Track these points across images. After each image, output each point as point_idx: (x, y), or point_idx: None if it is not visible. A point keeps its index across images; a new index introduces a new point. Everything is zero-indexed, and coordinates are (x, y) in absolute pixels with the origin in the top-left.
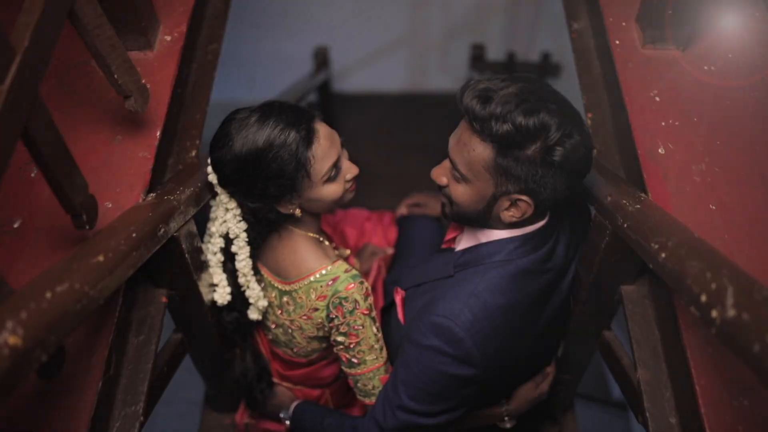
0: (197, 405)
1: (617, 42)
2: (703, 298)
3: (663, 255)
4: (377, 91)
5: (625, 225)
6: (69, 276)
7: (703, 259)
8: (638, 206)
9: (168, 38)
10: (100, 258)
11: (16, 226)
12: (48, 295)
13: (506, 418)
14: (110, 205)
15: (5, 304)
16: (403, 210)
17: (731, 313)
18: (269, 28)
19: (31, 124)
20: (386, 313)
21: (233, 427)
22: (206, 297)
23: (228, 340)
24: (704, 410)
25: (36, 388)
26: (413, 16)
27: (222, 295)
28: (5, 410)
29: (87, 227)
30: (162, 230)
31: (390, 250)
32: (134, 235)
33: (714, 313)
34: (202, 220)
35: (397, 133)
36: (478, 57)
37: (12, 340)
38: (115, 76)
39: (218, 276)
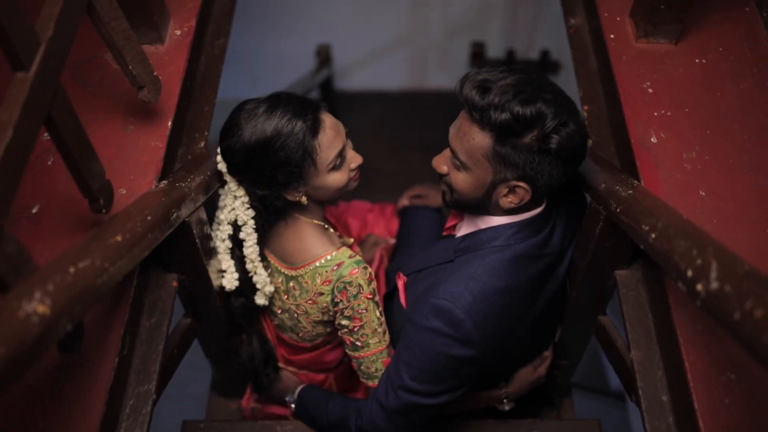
0: (202, 399)
1: (612, 36)
2: (690, 273)
3: (653, 236)
4: (378, 88)
5: (618, 210)
6: (90, 254)
7: (689, 238)
8: (630, 192)
9: (178, 32)
10: (118, 238)
11: (34, 211)
12: (72, 270)
13: (505, 401)
14: (124, 192)
15: (33, 276)
16: (404, 201)
17: (714, 285)
18: (272, 25)
19: (54, 110)
20: (388, 299)
21: (240, 411)
22: (215, 282)
23: (235, 325)
24: (693, 385)
25: (57, 364)
26: (414, 15)
27: (230, 280)
28: (29, 383)
29: (103, 211)
30: (174, 215)
31: (392, 241)
32: (149, 218)
33: (699, 287)
34: (211, 208)
35: (398, 131)
36: (478, 55)
37: (41, 308)
38: (130, 67)
39: (226, 262)
